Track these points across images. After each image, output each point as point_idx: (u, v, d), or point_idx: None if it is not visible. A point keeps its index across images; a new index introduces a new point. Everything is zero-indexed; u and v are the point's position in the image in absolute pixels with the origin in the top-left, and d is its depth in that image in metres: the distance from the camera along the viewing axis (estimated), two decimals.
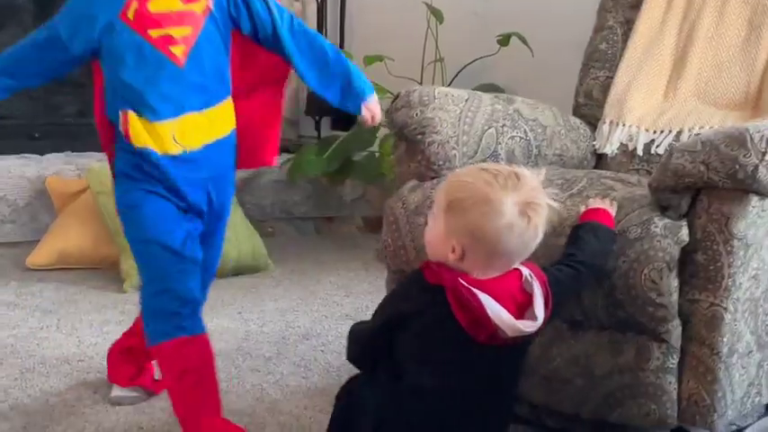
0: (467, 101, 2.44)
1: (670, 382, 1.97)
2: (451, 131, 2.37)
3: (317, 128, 4.38)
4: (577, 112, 2.85)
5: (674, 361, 1.97)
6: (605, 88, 2.80)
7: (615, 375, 2.01)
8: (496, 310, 1.67)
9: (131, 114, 2.07)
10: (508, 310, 1.69)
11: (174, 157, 2.09)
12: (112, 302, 3.22)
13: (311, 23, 4.44)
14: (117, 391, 2.42)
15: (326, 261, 3.82)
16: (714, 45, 2.71)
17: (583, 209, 2.00)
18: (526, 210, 1.69)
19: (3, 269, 3.55)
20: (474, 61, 3.83)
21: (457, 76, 3.92)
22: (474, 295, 1.67)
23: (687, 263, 1.94)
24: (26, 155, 4.01)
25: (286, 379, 2.59)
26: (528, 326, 1.70)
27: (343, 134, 3.98)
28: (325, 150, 3.89)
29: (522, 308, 1.72)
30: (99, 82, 2.18)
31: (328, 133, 4.31)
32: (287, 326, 3.01)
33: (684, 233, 1.93)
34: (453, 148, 2.36)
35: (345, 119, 4.31)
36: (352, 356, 1.88)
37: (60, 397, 2.46)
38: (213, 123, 2.14)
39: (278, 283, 3.50)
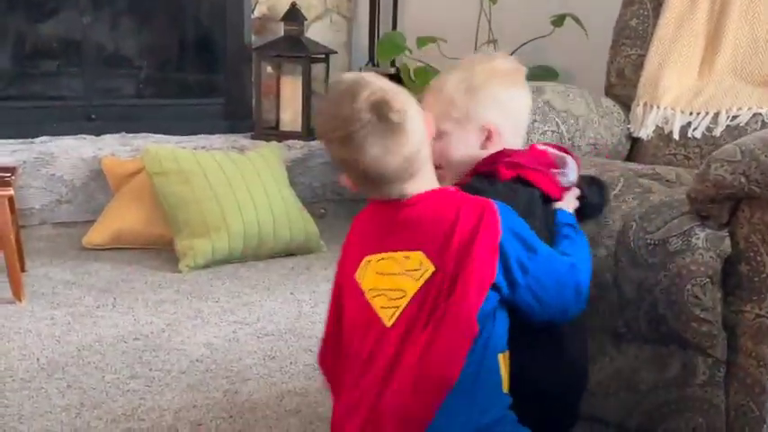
0: None
1: (718, 395, 1.92)
2: None
3: None
4: (609, 92, 2.78)
5: (720, 374, 1.91)
6: (637, 67, 2.71)
7: (660, 390, 1.97)
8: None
9: None
10: None
11: None
12: (168, 282, 3.26)
13: (364, 6, 4.45)
14: None
15: None
16: (749, 19, 2.60)
17: None
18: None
19: (60, 248, 3.62)
20: (527, 42, 3.81)
21: None
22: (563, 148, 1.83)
23: (730, 273, 1.88)
24: (83, 135, 4.06)
25: None
26: None
27: None
28: None
29: None
30: None
31: None
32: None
33: (727, 245, 1.87)
34: None
35: None
36: None
37: (116, 375, 2.50)
38: None
39: (330, 264, 3.52)
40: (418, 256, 1.59)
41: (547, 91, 2.52)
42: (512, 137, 1.83)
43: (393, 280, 1.60)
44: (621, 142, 2.66)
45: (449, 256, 1.57)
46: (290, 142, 4.12)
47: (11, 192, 3.01)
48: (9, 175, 3.17)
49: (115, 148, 3.91)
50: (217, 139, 4.15)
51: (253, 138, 4.21)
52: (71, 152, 3.85)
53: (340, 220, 4.16)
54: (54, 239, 3.72)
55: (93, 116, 4.17)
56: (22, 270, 3.21)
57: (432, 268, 1.57)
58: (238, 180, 3.56)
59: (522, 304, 1.62)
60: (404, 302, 1.58)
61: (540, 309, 1.63)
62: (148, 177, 3.56)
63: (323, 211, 4.13)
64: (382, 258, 1.62)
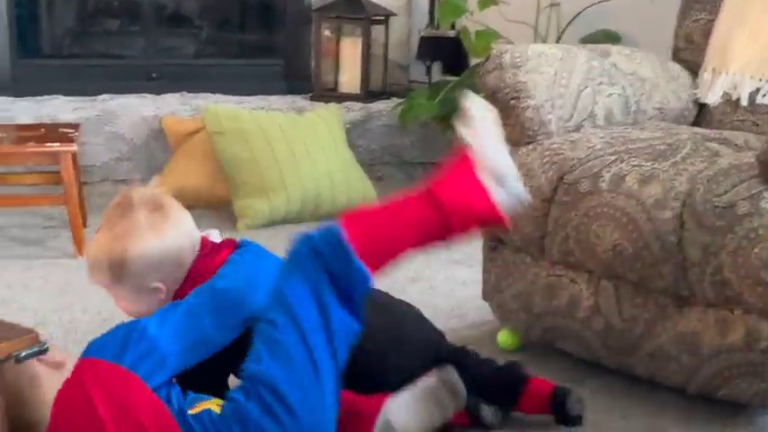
0: (561, 60, 2.34)
1: None
2: (546, 95, 2.29)
3: (428, 72, 4.36)
4: (677, 56, 2.74)
5: None
6: (706, 32, 2.67)
7: (723, 354, 1.96)
8: None
9: None
10: None
11: None
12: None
13: None
14: None
15: None
16: None
17: None
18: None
19: None
20: (590, 6, 3.75)
21: (572, 22, 3.84)
22: None
23: None
24: (144, 94, 4.09)
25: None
26: None
27: (454, 79, 3.96)
28: (436, 95, 3.87)
29: None
30: None
31: (439, 78, 4.28)
32: (395, 268, 3.02)
33: None
34: (549, 113, 2.30)
35: (457, 63, 4.28)
36: None
37: None
38: None
39: None
40: None
41: (613, 53, 2.49)
42: (178, 272, 1.85)
43: None
44: (688, 107, 2.62)
45: None
46: (348, 104, 4.11)
47: (74, 148, 3.04)
48: (73, 131, 3.21)
49: (175, 108, 3.93)
50: (275, 100, 4.15)
51: (311, 99, 4.21)
52: (132, 110, 3.88)
53: (397, 182, 4.15)
54: (114, 196, 3.75)
55: (153, 75, 4.20)
56: (84, 225, 3.26)
57: None
58: (297, 141, 3.57)
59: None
60: None
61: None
62: (208, 137, 3.58)
63: (379, 174, 4.13)
64: None
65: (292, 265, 1.66)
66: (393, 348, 1.92)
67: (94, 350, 1.63)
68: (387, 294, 2.06)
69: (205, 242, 1.90)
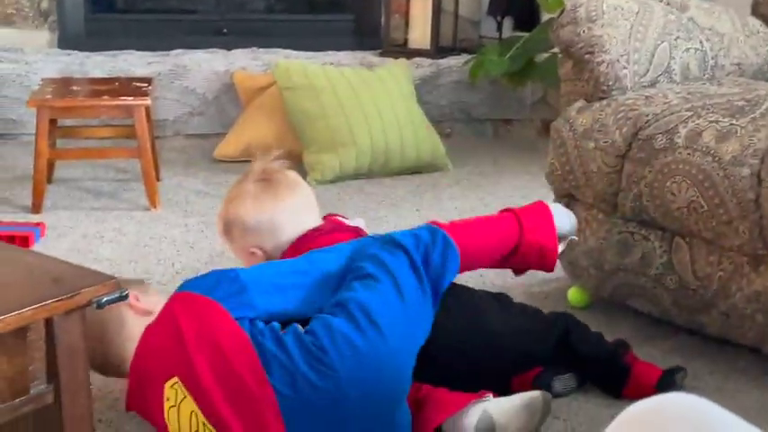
0: (638, 14, 2.30)
1: None
2: (621, 49, 2.26)
3: (499, 28, 4.32)
4: (756, 11, 2.68)
5: None
6: None
7: None
8: None
9: None
10: None
11: None
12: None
13: None
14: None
15: (505, 164, 3.80)
16: None
17: None
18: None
19: (192, 159, 3.70)
20: None
21: None
22: None
23: None
24: (214, 50, 4.12)
25: (464, 276, 2.61)
26: None
27: (525, 35, 3.92)
28: (506, 51, 3.84)
29: None
30: None
31: (510, 34, 4.25)
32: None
33: None
34: (624, 68, 2.26)
35: (528, 19, 4.24)
36: None
37: None
38: None
39: (456, 183, 3.52)
40: None
41: (691, 7, 2.44)
42: (273, 241, 1.97)
43: None
44: (767, 63, 2.56)
45: None
46: (418, 60, 4.10)
47: (148, 101, 3.08)
48: (146, 85, 3.25)
49: (246, 63, 3.95)
50: (345, 56, 4.15)
51: (381, 55, 4.20)
52: (203, 65, 3.91)
53: (466, 139, 4.14)
54: (186, 150, 3.81)
55: (224, 30, 4.23)
56: (158, 179, 3.31)
57: None
58: (367, 97, 3.57)
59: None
60: None
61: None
62: (278, 92, 3.60)
63: (449, 130, 4.12)
64: None
65: (393, 244, 1.75)
66: (467, 345, 1.90)
67: (187, 286, 1.72)
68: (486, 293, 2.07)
69: (332, 222, 2.04)
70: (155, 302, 1.77)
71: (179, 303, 1.69)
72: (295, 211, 1.98)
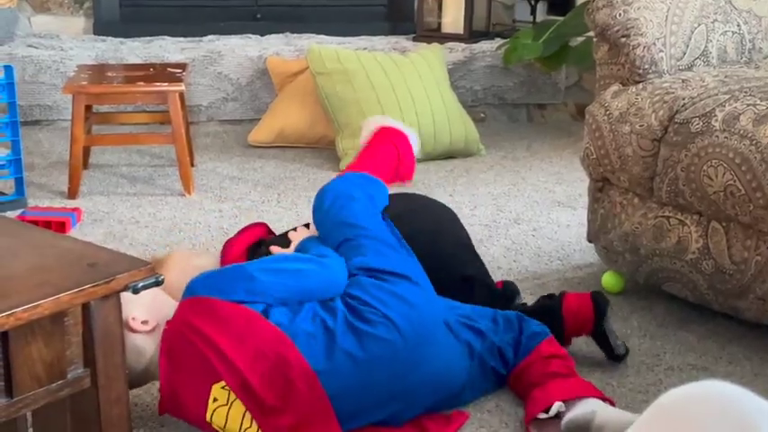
0: None
1: None
2: (658, 32, 2.23)
3: (533, 12, 4.29)
4: None
5: None
6: None
7: None
8: None
9: None
10: None
11: None
12: (329, 180, 3.30)
13: None
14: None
15: (538, 148, 3.78)
16: None
17: None
18: None
19: (226, 145, 3.71)
20: None
21: None
22: None
23: None
24: (248, 35, 4.13)
25: (497, 261, 2.61)
26: None
27: (559, 19, 3.89)
28: (540, 35, 3.81)
29: None
30: None
31: (544, 17, 4.22)
32: (498, 209, 3.02)
33: None
34: (660, 51, 2.24)
35: (563, 2, 4.21)
36: None
37: None
38: None
39: (489, 168, 3.51)
40: None
41: None
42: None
43: None
44: None
45: None
46: (451, 45, 4.08)
47: (182, 87, 3.09)
48: (180, 71, 3.26)
49: (279, 48, 3.95)
50: (378, 41, 4.14)
51: (414, 40, 4.19)
52: (237, 51, 3.92)
53: (500, 124, 4.12)
54: (220, 136, 3.83)
55: (258, 16, 4.23)
56: (192, 164, 3.32)
57: None
58: (400, 81, 3.56)
59: None
60: None
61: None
62: (312, 77, 3.60)
63: (483, 115, 4.10)
64: None
65: (344, 200, 2.01)
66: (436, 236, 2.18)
67: (199, 289, 1.74)
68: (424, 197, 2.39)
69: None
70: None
71: (196, 315, 1.71)
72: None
